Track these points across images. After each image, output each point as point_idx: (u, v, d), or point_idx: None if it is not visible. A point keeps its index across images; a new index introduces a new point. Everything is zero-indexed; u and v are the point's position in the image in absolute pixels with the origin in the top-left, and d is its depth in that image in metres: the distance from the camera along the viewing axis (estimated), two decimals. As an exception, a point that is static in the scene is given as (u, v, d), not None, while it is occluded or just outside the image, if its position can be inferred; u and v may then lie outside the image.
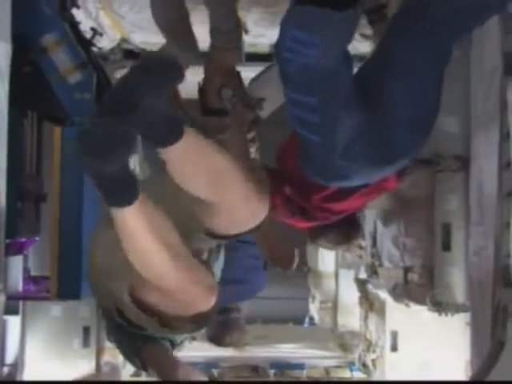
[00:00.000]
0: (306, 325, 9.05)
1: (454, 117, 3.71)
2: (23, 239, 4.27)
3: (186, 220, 2.33)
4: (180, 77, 2.06)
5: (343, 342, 6.90)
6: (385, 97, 2.95)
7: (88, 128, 1.89)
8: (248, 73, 3.82)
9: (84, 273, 4.08)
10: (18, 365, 4.99)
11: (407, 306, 3.99)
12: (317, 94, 2.82)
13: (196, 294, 2.24)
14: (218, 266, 3.16)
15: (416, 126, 3.02)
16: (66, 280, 4.04)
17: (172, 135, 2.05)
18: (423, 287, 3.78)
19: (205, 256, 2.68)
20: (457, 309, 3.66)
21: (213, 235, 2.44)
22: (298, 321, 8.79)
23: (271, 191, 3.33)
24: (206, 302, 2.27)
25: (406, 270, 3.87)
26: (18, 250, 4.31)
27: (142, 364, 3.08)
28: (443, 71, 2.97)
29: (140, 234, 2.02)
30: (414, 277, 3.81)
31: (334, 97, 2.84)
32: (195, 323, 2.36)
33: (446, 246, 3.63)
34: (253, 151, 4.12)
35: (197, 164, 2.17)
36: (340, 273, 7.20)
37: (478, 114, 3.46)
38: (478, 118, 3.44)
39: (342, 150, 2.95)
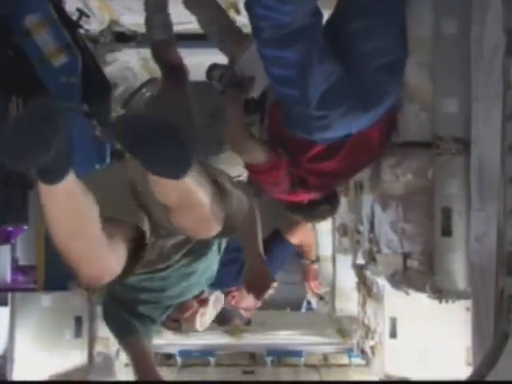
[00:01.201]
0: (303, 310, 8.97)
1: (453, 98, 3.58)
2: (10, 228, 4.15)
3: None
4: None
5: (341, 327, 6.80)
6: (351, 43, 3.11)
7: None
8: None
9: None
10: (7, 357, 4.90)
11: (407, 293, 3.86)
12: (290, 48, 2.95)
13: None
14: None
15: (385, 69, 3.18)
16: (54, 270, 3.92)
17: (177, 174, 2.11)
18: (423, 274, 3.66)
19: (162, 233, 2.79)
20: (458, 296, 3.54)
21: None
22: (296, 306, 8.68)
23: (274, 165, 3.45)
24: (101, 279, 2.36)
25: (405, 256, 3.75)
26: (5, 239, 4.20)
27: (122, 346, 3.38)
28: (403, 13, 3.20)
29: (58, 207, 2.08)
30: (413, 263, 3.69)
31: (308, 49, 2.97)
32: None
33: (447, 232, 3.51)
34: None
35: (176, 189, 2.27)
36: (337, 257, 7.10)
37: (478, 94, 3.34)
38: (479, 99, 3.31)
39: (318, 100, 3.10)
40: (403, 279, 3.78)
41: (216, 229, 2.54)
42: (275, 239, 4.42)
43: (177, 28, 4.27)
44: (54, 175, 1.94)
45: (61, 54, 3.80)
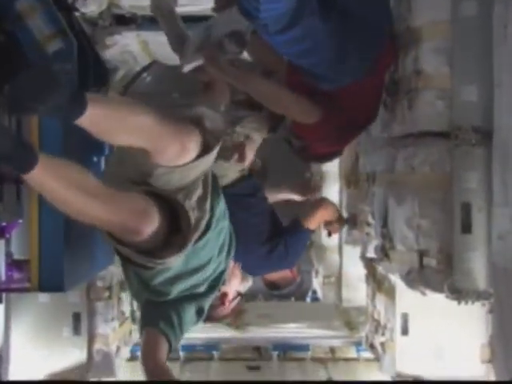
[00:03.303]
0: (308, 299, 8.84)
1: (472, 85, 3.35)
2: (4, 223, 3.98)
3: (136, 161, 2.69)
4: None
5: (349, 319, 6.64)
6: None
7: None
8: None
9: (68, 261, 3.79)
10: (2, 356, 4.74)
11: (423, 293, 3.65)
12: (298, 25, 3.15)
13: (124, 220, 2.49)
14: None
15: (367, 4, 3.41)
16: (48, 270, 3.73)
17: (76, 110, 2.29)
18: (441, 273, 3.44)
19: (180, 196, 2.82)
20: (478, 296, 3.32)
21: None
22: (301, 296, 8.53)
23: (326, 118, 3.67)
24: (136, 227, 2.51)
25: (422, 253, 3.53)
26: (0, 234, 4.02)
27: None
28: None
29: (53, 190, 2.30)
30: (430, 262, 3.47)
31: (312, 18, 3.18)
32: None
33: (466, 228, 3.28)
34: None
35: (113, 122, 2.42)
36: (344, 247, 6.92)
37: (502, 80, 3.11)
38: (503, 85, 3.08)
39: (336, 54, 3.37)
40: (419, 278, 3.56)
41: (194, 139, 2.64)
42: (295, 228, 4.36)
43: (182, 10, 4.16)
44: (24, 164, 2.19)
45: (55, 39, 3.58)
